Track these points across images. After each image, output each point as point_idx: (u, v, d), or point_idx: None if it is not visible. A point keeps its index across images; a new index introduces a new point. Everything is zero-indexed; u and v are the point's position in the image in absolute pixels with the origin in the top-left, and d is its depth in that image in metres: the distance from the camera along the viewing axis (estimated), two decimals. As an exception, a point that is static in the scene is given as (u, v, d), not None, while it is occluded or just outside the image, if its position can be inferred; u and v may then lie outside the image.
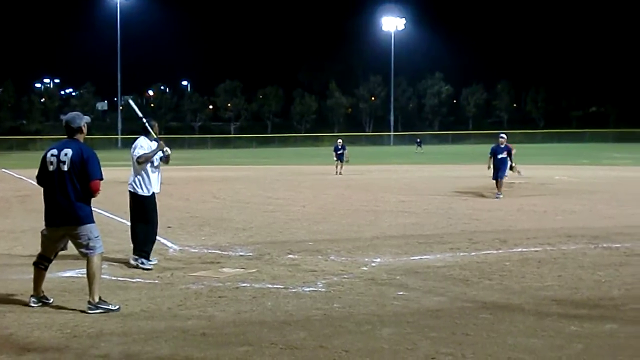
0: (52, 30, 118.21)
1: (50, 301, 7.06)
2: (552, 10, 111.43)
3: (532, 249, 10.24)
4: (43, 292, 7.09)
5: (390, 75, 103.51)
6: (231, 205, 17.35)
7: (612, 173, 27.77)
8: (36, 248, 10.64)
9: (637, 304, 7.02)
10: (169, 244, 10.90)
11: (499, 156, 19.26)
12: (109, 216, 14.78)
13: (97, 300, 6.74)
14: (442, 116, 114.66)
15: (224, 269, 8.83)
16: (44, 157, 6.94)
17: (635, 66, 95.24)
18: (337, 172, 30.85)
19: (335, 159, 31.73)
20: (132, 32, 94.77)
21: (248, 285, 7.87)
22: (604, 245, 10.61)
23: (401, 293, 7.44)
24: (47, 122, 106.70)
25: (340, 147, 31.90)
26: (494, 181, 19.13)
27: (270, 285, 7.84)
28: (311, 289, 7.68)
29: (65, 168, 6.75)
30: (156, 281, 8.08)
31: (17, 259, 9.75)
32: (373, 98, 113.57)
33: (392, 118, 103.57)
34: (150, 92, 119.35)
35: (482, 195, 19.21)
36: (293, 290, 7.61)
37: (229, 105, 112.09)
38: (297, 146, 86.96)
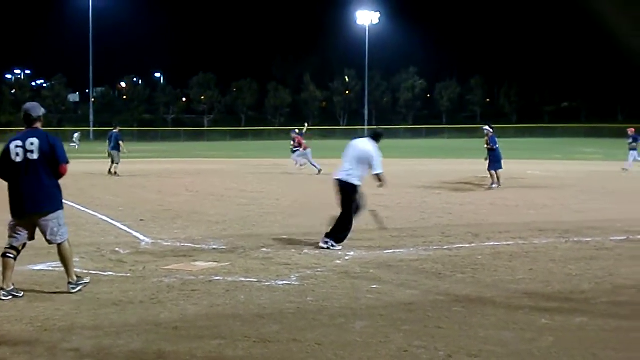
0: (23, 20, 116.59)
1: (20, 295, 7.00)
2: (525, 6, 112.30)
3: (504, 243, 10.34)
4: (13, 284, 7.04)
5: (365, 69, 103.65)
6: (204, 199, 17.27)
7: (583, 168, 28.10)
8: (4, 240, 10.52)
9: (607, 297, 7.12)
10: (142, 237, 10.82)
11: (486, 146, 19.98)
12: (81, 209, 14.62)
13: (75, 279, 7.19)
14: (416, 110, 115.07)
15: (197, 263, 8.79)
16: (6, 149, 7.00)
17: (605, 63, 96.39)
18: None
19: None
20: (104, 23, 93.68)
21: (221, 278, 7.84)
22: (575, 239, 10.75)
23: (374, 286, 7.47)
24: (18, 113, 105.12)
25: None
26: (496, 171, 19.81)
27: (243, 279, 7.82)
28: (285, 282, 7.67)
29: (35, 157, 6.90)
30: (128, 274, 8.02)
31: (-14, 252, 9.58)
32: (347, 92, 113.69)
33: (366, 112, 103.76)
34: (123, 84, 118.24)
35: (456, 190, 19.33)
36: (266, 283, 7.60)
37: (202, 98, 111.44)
38: (271, 139, 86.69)
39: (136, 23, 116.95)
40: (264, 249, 9.75)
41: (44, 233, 7.10)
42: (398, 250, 9.76)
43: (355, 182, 10.11)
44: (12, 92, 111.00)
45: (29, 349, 5.32)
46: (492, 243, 10.35)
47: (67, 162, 7.11)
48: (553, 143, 66.88)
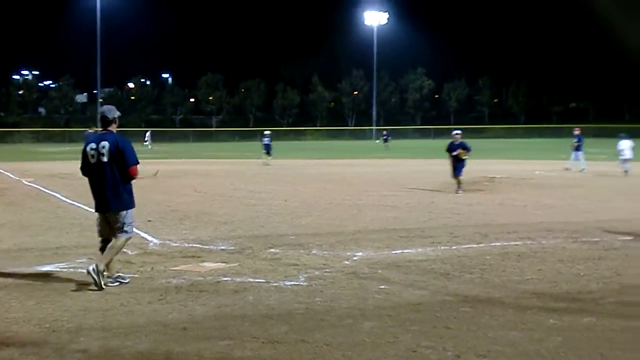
0: (31, 21, 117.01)
1: (127, 281, 7.52)
2: (534, 7, 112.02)
3: (513, 243, 10.30)
4: (117, 272, 7.60)
5: (373, 70, 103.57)
6: (213, 199, 17.28)
7: (590, 168, 28.00)
8: (14, 242, 10.59)
9: (614, 297, 7.09)
10: (150, 238, 10.83)
11: (455, 153, 18.96)
12: (88, 210, 14.64)
13: (102, 268, 7.32)
14: (424, 111, 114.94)
15: (205, 263, 8.79)
16: (84, 150, 7.56)
17: (613, 63, 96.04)
18: (270, 163, 32.28)
19: (264, 151, 33.33)
20: (112, 23, 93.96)
21: (229, 279, 7.84)
22: (583, 239, 10.70)
23: (383, 287, 7.46)
24: (26, 114, 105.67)
25: (268, 139, 33.64)
26: (454, 178, 18.83)
27: (251, 280, 7.82)
28: (293, 283, 7.67)
29: (105, 159, 7.43)
30: (136, 275, 8.03)
31: (-4, 252, 9.63)
32: (355, 92, 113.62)
33: (374, 112, 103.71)
34: (131, 85, 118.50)
35: (464, 190, 19.28)
36: (275, 284, 7.60)
37: (210, 98, 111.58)
38: (279, 140, 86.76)
39: (144, 24, 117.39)
40: (272, 250, 9.74)
41: (112, 228, 7.59)
42: (406, 251, 9.74)
43: None
44: (20, 93, 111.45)
45: (37, 349, 5.33)
46: (500, 243, 10.31)
47: (137, 163, 7.57)
48: (561, 143, 66.58)
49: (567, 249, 9.88)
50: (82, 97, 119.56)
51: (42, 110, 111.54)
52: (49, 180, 23.55)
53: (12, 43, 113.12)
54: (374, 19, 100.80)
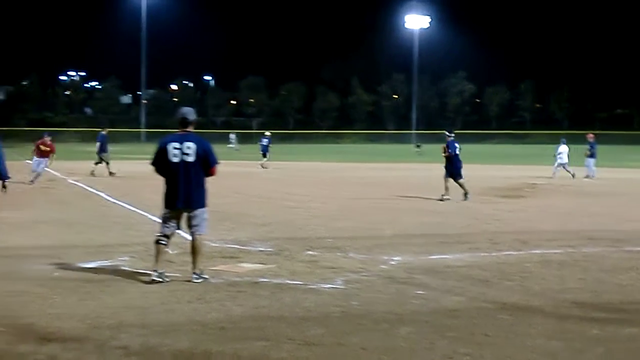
0: (77, 23, 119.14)
1: (168, 280, 7.66)
2: (578, 11, 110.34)
3: (553, 251, 10.16)
4: (163, 269, 7.78)
5: (413, 73, 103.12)
6: (251, 201, 17.40)
7: (635, 175, 27.46)
8: (59, 239, 10.81)
9: (659, 308, 6.94)
10: (190, 238, 10.93)
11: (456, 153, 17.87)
12: (131, 209, 14.89)
13: (199, 271, 7.73)
14: (465, 115, 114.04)
15: (243, 264, 8.86)
16: (164, 149, 7.75)
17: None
18: (269, 166, 32.47)
19: (260, 152, 33.56)
20: (156, 26, 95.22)
21: (267, 280, 7.89)
22: (626, 248, 10.50)
23: (420, 292, 7.42)
24: (72, 114, 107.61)
25: (267, 141, 33.87)
26: (457, 182, 17.67)
27: (289, 281, 7.86)
28: (330, 285, 7.68)
29: (191, 159, 7.68)
30: (176, 274, 8.12)
31: (41, 249, 9.85)
32: (396, 96, 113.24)
33: (414, 116, 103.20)
34: (174, 87, 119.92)
35: (504, 196, 19.09)
36: (312, 286, 7.62)
37: (251, 100, 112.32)
38: (318, 143, 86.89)
39: (188, 27, 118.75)
40: (310, 252, 9.77)
41: (189, 225, 7.84)
42: (445, 256, 9.68)
43: None
44: (66, 93, 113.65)
45: (79, 345, 5.43)
46: (541, 251, 10.17)
47: (218, 164, 7.90)
48: (605, 150, 65.46)
49: (609, 257, 9.71)
50: (126, 98, 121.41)
51: (88, 110, 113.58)
52: (93, 179, 23.97)
53: (59, 45, 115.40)
54: (415, 22, 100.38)
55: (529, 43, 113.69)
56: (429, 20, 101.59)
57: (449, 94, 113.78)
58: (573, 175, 26.02)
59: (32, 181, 21.25)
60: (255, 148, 57.22)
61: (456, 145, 18.01)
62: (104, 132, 27.74)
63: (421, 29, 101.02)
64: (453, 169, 17.77)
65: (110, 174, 25.80)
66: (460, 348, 5.49)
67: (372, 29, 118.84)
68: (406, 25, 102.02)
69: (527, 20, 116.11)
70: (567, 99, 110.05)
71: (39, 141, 22.80)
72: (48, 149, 22.61)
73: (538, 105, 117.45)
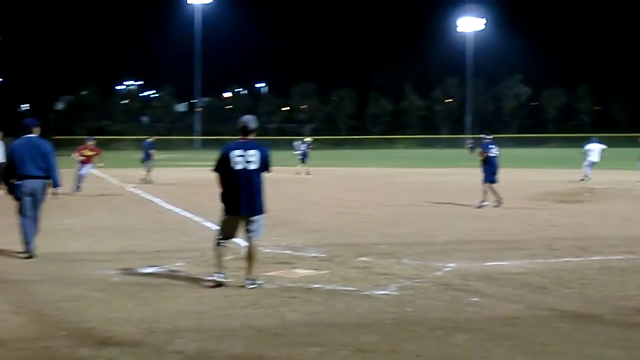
0: (134, 34, 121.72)
1: (228, 280, 7.85)
2: (636, 13, 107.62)
3: (614, 257, 9.90)
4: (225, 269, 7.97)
5: (468, 77, 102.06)
6: (304, 207, 17.46)
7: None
8: (116, 245, 11.03)
9: None
10: (244, 244, 11.03)
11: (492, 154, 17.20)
12: (186, 215, 15.10)
13: (254, 276, 7.85)
14: (521, 119, 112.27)
15: (297, 270, 8.89)
16: (227, 156, 7.87)
17: None
18: (301, 172, 32.20)
19: (299, 157, 33.41)
20: (210, 35, 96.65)
21: (320, 286, 7.90)
22: (691, 255, 10.16)
23: (475, 299, 7.32)
24: (129, 122, 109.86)
25: (305, 146, 33.76)
26: (489, 184, 17.09)
27: (342, 287, 7.85)
28: (383, 292, 7.64)
29: (253, 167, 7.85)
30: (230, 280, 8.20)
31: (98, 255, 10.06)
32: (449, 100, 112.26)
33: (468, 120, 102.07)
34: (227, 94, 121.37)
35: (562, 201, 18.71)
36: (365, 293, 7.59)
37: (303, 107, 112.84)
38: (370, 148, 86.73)
39: (241, 35, 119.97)
40: (363, 258, 9.74)
41: (247, 230, 7.94)
42: (501, 263, 9.53)
43: None
44: (124, 102, 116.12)
45: (136, 349, 5.52)
46: (600, 257, 9.93)
47: (270, 172, 8.12)
48: (668, 153, 63.67)
49: (672, 264, 9.41)
50: (181, 107, 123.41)
51: (144, 118, 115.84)
52: (149, 186, 24.40)
53: (116, 54, 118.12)
54: (469, 25, 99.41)
55: (586, 44, 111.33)
56: (484, 22, 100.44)
57: (504, 97, 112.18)
58: (586, 178, 25.32)
59: (78, 187, 20.78)
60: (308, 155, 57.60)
61: (491, 146, 17.36)
62: (150, 140, 27.90)
63: (476, 31, 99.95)
64: (488, 173, 17.08)
65: (147, 181, 25.74)
66: (517, 357, 5.40)
67: (425, 33, 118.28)
68: (459, 29, 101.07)
69: (584, 22, 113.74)
70: (626, 102, 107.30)
71: (81, 147, 21.96)
72: (92, 153, 21.87)
73: (597, 108, 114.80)
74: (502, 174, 17.86)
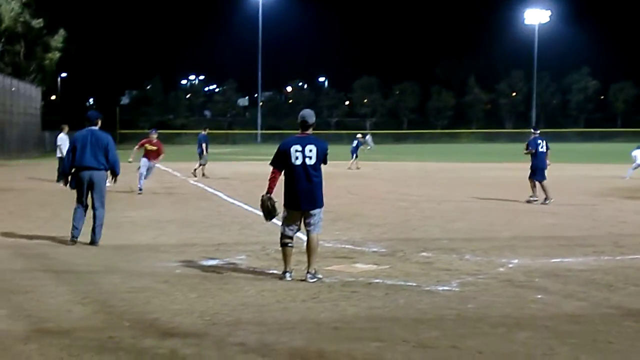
0: (197, 28, 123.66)
1: (289, 279, 7.84)
2: None
3: (685, 255, 9.57)
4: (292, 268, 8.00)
5: (533, 70, 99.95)
6: (365, 201, 17.42)
7: None
8: (180, 237, 11.22)
9: None
10: (304, 238, 11.08)
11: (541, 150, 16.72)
12: (247, 209, 15.26)
13: (314, 271, 7.85)
14: (588, 113, 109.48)
15: (357, 264, 8.88)
16: (287, 150, 7.90)
17: None
18: (352, 167, 31.91)
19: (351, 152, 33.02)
20: (272, 29, 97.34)
21: (380, 281, 7.87)
22: None
23: (539, 296, 7.18)
24: (192, 117, 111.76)
25: (357, 142, 33.39)
26: (540, 183, 16.58)
27: (403, 283, 7.80)
28: (445, 288, 7.56)
29: (311, 162, 7.88)
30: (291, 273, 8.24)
31: (163, 247, 10.26)
32: (514, 94, 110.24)
33: (534, 114, 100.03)
34: (289, 89, 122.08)
35: (630, 197, 18.17)
36: (426, 288, 7.53)
37: (365, 101, 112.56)
38: (433, 143, 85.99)
39: (302, 29, 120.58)
40: (424, 254, 9.67)
41: (307, 223, 7.94)
42: (566, 259, 9.32)
43: None
44: (187, 96, 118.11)
45: (198, 341, 5.61)
46: (671, 255, 9.60)
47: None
48: None
49: None
50: (243, 101, 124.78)
51: (207, 112, 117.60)
52: (211, 180, 24.75)
53: (180, 50, 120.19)
54: (535, 17, 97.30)
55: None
56: (549, 14, 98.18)
57: (571, 90, 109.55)
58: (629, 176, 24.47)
59: (140, 189, 18.85)
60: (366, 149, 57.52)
61: (539, 142, 16.83)
62: (204, 133, 27.15)
63: (541, 23, 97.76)
64: (535, 169, 16.64)
65: (200, 174, 25.71)
66: (582, 355, 5.27)
67: (489, 25, 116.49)
68: (526, 21, 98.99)
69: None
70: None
71: (145, 140, 20.04)
72: (155, 148, 19.68)
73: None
74: (569, 169, 17.49)
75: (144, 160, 19.48)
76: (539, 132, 17.44)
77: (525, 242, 10.76)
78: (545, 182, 16.51)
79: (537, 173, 16.59)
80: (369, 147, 57.04)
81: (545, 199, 16.34)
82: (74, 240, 10.32)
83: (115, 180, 10.77)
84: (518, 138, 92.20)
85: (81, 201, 10.44)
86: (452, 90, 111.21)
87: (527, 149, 17.00)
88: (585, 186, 21.65)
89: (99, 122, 10.68)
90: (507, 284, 7.75)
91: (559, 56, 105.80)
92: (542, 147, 16.74)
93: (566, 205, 16.16)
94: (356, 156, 33.00)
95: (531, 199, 16.59)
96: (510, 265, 8.84)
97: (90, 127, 10.54)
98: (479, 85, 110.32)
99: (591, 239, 11.11)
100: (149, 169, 19.51)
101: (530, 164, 16.89)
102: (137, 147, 20.27)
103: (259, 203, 8.26)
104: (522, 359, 5.24)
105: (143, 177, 19.18)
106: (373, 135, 64.62)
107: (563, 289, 7.52)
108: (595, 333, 5.86)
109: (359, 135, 35.24)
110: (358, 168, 31.84)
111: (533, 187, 16.67)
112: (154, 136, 19.98)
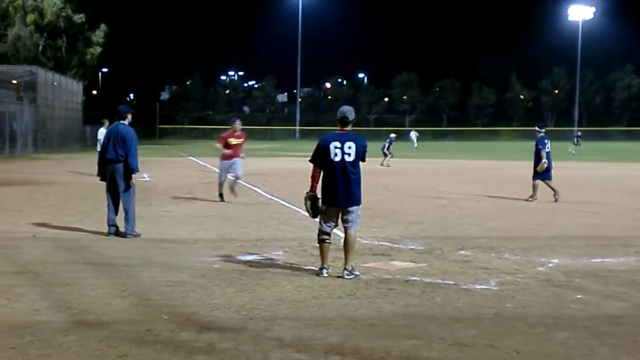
0: (237, 25, 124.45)
1: (326, 276, 7.82)
2: None
3: None
4: (329, 264, 8.00)
5: (577, 67, 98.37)
6: (403, 199, 17.35)
7: None
8: (218, 232, 11.31)
9: None
10: (342, 234, 11.08)
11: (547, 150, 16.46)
12: (285, 205, 15.31)
13: (351, 268, 7.85)
14: (632, 111, 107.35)
15: (394, 262, 8.85)
16: (326, 147, 7.90)
17: None
18: (384, 164, 31.87)
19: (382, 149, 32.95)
20: (311, 25, 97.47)
21: (418, 279, 7.84)
22: None
23: (579, 296, 7.08)
24: (231, 112, 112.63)
25: (389, 141, 33.34)
26: (546, 183, 16.48)
27: (440, 281, 7.76)
28: (483, 286, 7.50)
29: (350, 159, 7.86)
30: (328, 270, 8.25)
31: (201, 242, 10.36)
32: (556, 91, 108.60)
33: (576, 112, 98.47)
34: (328, 85, 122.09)
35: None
36: (464, 286, 7.48)
37: (404, 97, 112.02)
38: (473, 140, 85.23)
39: (342, 25, 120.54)
40: (462, 252, 9.59)
41: (344, 220, 7.95)
42: (607, 260, 9.16)
43: None
44: (226, 92, 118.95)
45: (235, 335, 5.65)
46: None
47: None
48: None
49: None
50: (282, 97, 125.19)
51: (246, 108, 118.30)
52: (249, 175, 24.87)
53: (220, 46, 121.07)
54: (579, 13, 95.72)
55: None
56: (594, 10, 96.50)
57: (614, 88, 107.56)
58: None
59: (220, 195, 15.87)
60: (409, 145, 57.35)
61: (546, 141, 16.57)
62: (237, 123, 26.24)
63: (585, 20, 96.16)
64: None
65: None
66: (622, 356, 5.19)
67: (532, 21, 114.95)
68: (569, 18, 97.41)
69: None
70: None
71: (227, 133, 16.03)
72: (241, 140, 16.05)
73: None
74: (611, 168, 17.15)
75: (225, 163, 15.94)
76: (544, 130, 17.25)
77: (565, 241, 10.61)
78: (550, 182, 16.51)
79: (544, 172, 16.46)
80: (415, 146, 56.89)
81: (555, 195, 16.30)
82: (110, 234, 10.63)
83: (132, 178, 10.59)
84: (560, 136, 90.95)
85: (110, 194, 10.73)
86: (493, 87, 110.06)
87: (538, 155, 16.47)
88: (627, 186, 21.24)
89: (129, 117, 10.88)
90: (547, 284, 7.65)
91: (602, 53, 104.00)
92: (548, 147, 16.61)
93: (607, 204, 15.88)
94: (390, 154, 32.88)
95: (530, 198, 16.53)
96: (550, 265, 8.73)
97: (119, 122, 10.76)
98: (521, 82, 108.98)
99: (633, 239, 10.91)
100: (229, 168, 16.05)
101: (532, 163, 16.76)
102: (218, 143, 16.23)
103: (303, 202, 8.25)
104: (560, 359, 5.17)
105: (221, 182, 16.12)
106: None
107: (603, 290, 7.40)
108: (635, 334, 5.76)
109: (392, 135, 35.06)
110: (388, 166, 31.71)
111: (534, 187, 16.59)
112: (237, 124, 16.08)
